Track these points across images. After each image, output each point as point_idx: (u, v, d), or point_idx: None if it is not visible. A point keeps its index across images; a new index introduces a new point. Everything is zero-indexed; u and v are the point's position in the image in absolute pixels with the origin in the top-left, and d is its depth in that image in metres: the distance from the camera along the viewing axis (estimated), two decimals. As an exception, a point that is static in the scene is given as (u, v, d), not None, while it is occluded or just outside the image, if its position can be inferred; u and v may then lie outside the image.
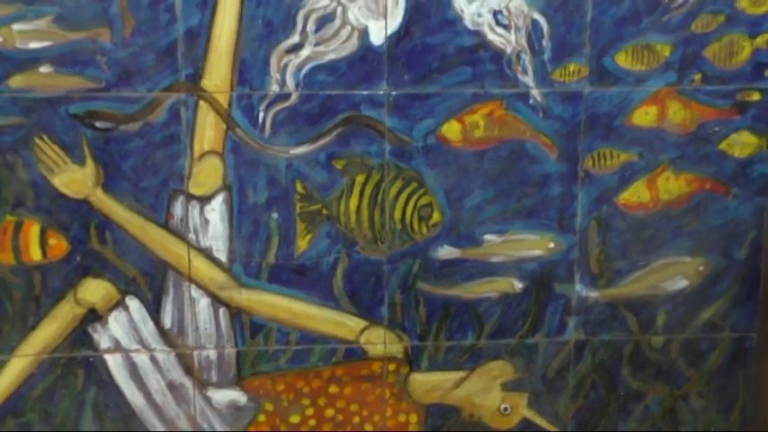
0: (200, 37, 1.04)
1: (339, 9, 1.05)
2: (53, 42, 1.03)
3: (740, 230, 1.15)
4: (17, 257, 1.08)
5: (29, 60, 1.04)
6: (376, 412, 1.19)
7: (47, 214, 1.08)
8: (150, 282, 1.13)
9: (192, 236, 1.12)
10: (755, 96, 1.09)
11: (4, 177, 1.07)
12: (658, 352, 1.18)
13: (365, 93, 1.09)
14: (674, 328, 1.18)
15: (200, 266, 1.11)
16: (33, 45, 1.03)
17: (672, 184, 1.12)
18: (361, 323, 1.15)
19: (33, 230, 1.08)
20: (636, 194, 1.12)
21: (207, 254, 1.11)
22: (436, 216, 1.11)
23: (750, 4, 1.07)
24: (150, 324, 1.13)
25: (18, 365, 1.13)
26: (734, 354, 1.19)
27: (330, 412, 1.18)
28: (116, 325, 1.12)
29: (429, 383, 1.18)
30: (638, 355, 1.19)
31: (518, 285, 1.14)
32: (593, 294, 1.15)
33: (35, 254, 1.09)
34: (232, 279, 1.12)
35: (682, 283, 1.16)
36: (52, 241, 1.09)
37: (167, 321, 1.13)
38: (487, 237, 1.13)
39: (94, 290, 1.10)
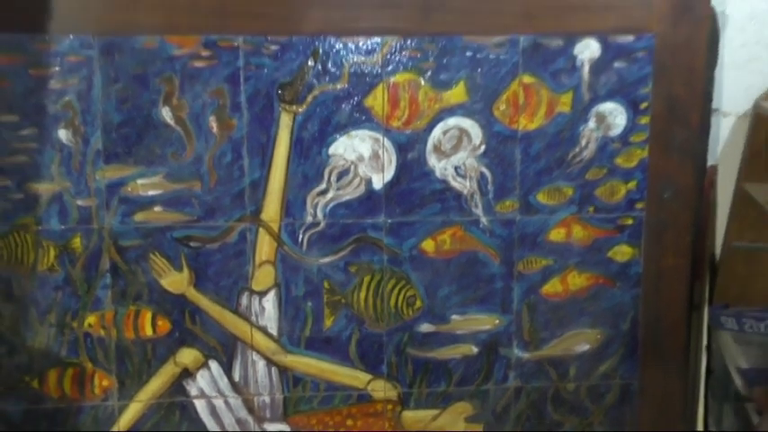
0: (260, 186, 1.24)
1: (352, 166, 1.25)
2: (163, 191, 1.23)
3: (623, 311, 1.33)
4: (136, 333, 1.27)
5: (147, 203, 1.24)
6: (379, 438, 1.37)
7: (156, 304, 1.27)
8: (225, 350, 1.29)
9: (253, 318, 1.29)
10: (629, 221, 1.29)
11: (129, 280, 1.25)
12: (571, 394, 1.35)
13: (370, 221, 1.27)
14: (581, 377, 1.34)
15: (259, 339, 1.29)
16: (150, 193, 1.23)
17: (577, 280, 1.31)
18: (368, 377, 1.32)
19: (147, 315, 1.27)
20: (553, 287, 1.31)
21: (263, 330, 1.29)
22: (418, 303, 1.30)
23: (624, 161, 1.27)
24: (225, 379, 1.30)
25: (136, 408, 1.30)
26: (622, 395, 1.35)
27: (347, 438, 1.36)
28: (202, 380, 1.29)
29: (416, 418, 1.34)
30: (557, 396, 1.36)
31: (475, 349, 1.32)
32: (526, 355, 1.33)
33: (148, 331, 1.27)
34: (281, 347, 1.30)
35: (585, 347, 1.33)
36: (160, 323, 1.27)
37: (237, 376, 1.30)
38: (454, 317, 1.31)
39: (188, 355, 1.28)
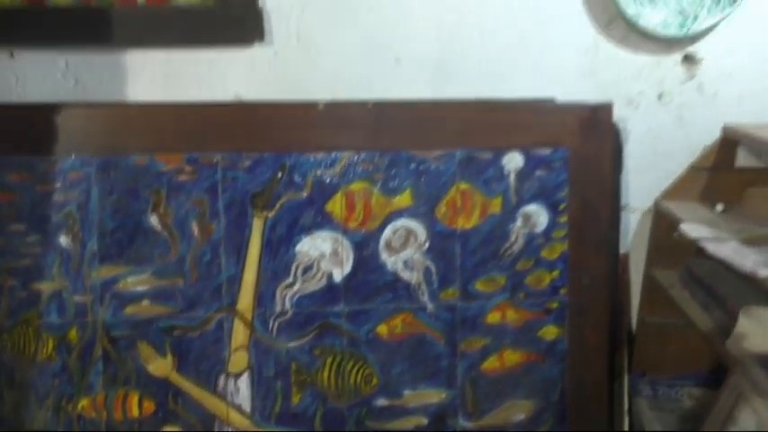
0: (235, 281, 1.36)
1: (315, 262, 1.38)
2: (150, 287, 1.35)
3: (553, 383, 1.44)
4: (124, 415, 1.36)
5: (136, 298, 1.35)
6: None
7: (143, 387, 1.36)
8: (204, 426, 1.39)
9: (229, 397, 1.38)
10: (555, 305, 1.43)
11: (119, 366, 1.35)
12: (511, 459, 1.47)
13: (331, 309, 1.39)
14: (519, 443, 1.46)
15: (235, 416, 1.38)
16: (139, 289, 1.35)
17: (512, 357, 1.42)
18: (332, 447, 1.41)
19: (135, 398, 1.36)
20: (491, 363, 1.42)
21: (238, 408, 1.38)
22: (375, 380, 1.40)
23: (548, 254, 1.42)
24: (204, 453, 1.39)
25: (123, 483, 1.36)
26: (555, 458, 1.48)
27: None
28: (183, 455, 1.38)
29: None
30: (498, 461, 1.47)
31: (425, 421, 1.42)
32: (470, 425, 1.43)
33: (135, 412, 1.36)
34: (254, 423, 1.39)
35: (521, 416, 1.44)
36: (146, 404, 1.36)
37: (214, 451, 1.39)
38: (406, 392, 1.42)
39: (170, 433, 1.38)
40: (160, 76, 1.43)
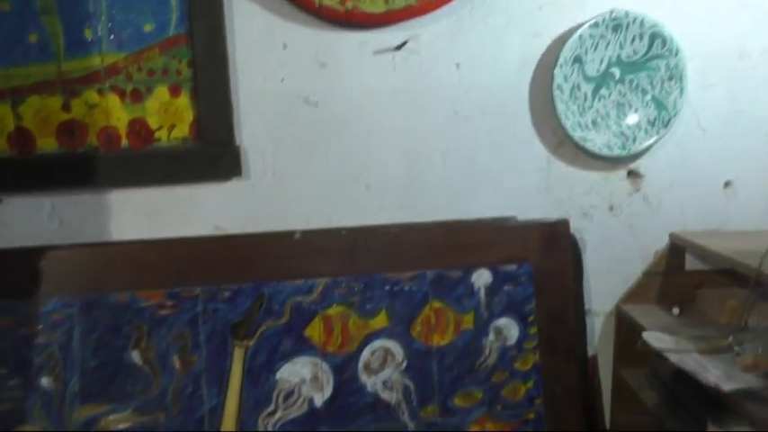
0: (217, 412, 1.32)
1: (296, 388, 1.34)
2: (132, 423, 1.30)
3: None
4: None
5: None
6: None
7: None
8: None
9: None
10: (531, 415, 1.41)
11: None
12: None
13: None
14: None
15: None
16: (120, 426, 1.30)
17: None
18: None
19: None
20: None
21: None
22: None
23: (521, 365, 1.40)
24: None
25: None
26: None
27: None
28: None
29: None
30: None
31: None
32: None
33: None
34: None
35: None
36: None
37: None
38: None
39: None
40: (143, 213, 1.43)
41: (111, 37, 1.34)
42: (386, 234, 1.41)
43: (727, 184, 1.56)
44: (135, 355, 1.31)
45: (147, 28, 1.35)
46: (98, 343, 1.30)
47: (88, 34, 1.33)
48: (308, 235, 1.40)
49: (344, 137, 1.47)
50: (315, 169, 1.47)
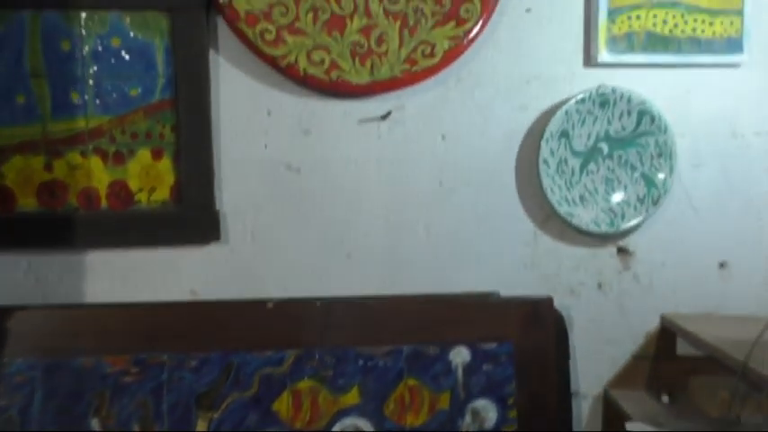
0: None
1: None
2: None
3: None
4: None
5: None
6: None
7: None
8: None
9: None
10: None
11: None
12: None
13: None
14: None
15: None
16: None
17: None
18: None
19: None
20: None
21: None
22: None
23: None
24: None
25: None
26: None
27: None
28: None
29: None
30: None
31: None
32: None
33: None
34: None
35: None
36: None
37: None
38: None
39: None
40: (119, 276, 1.38)
41: (97, 101, 1.33)
42: (362, 306, 1.35)
43: (722, 266, 1.48)
44: (95, 423, 1.25)
45: (133, 92, 1.34)
46: (59, 408, 1.24)
47: (75, 97, 1.33)
48: (282, 305, 1.34)
49: (326, 205, 1.43)
50: (295, 236, 1.43)
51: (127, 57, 1.33)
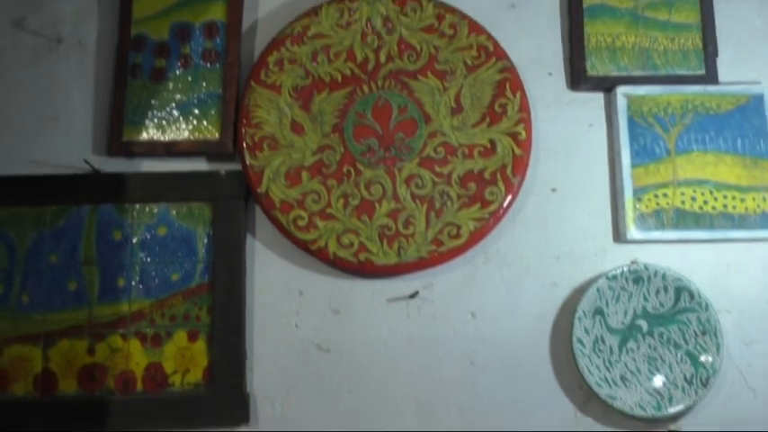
0: None
1: None
2: None
3: None
4: None
5: None
6: None
7: None
8: None
9: None
10: None
11: None
12: None
13: None
14: None
15: None
16: None
17: None
18: None
19: None
20: None
21: None
22: None
23: None
24: None
25: None
26: None
27: None
28: None
29: None
30: None
31: None
32: None
33: None
34: None
35: None
36: None
37: None
38: None
39: None
40: (148, 458, 1.36)
41: (141, 286, 1.38)
42: (390, 498, 1.25)
43: (791, 452, 1.30)
44: None
45: (174, 277, 1.38)
46: None
47: (121, 283, 1.38)
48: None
49: (356, 385, 1.37)
50: (325, 418, 1.36)
51: (171, 244, 1.39)
